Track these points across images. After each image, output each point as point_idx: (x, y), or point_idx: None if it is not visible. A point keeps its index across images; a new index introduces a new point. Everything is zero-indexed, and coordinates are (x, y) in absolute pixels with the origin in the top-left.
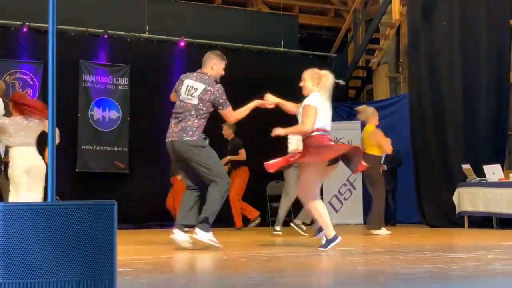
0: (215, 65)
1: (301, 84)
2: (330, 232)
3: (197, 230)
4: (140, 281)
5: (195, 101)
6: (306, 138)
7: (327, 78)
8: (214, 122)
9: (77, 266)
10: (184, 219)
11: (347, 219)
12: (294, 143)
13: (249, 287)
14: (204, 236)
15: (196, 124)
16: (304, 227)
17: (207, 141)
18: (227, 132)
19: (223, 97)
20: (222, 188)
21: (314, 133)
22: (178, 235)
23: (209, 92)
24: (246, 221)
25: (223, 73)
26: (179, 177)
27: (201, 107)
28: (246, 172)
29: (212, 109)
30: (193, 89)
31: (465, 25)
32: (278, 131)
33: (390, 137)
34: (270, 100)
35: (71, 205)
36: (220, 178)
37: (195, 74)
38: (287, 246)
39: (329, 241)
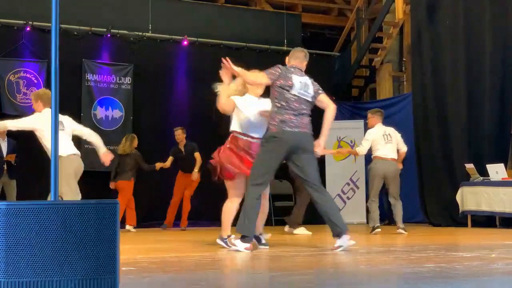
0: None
1: None
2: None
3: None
4: (143, 280)
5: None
6: None
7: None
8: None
9: (80, 265)
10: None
11: (350, 218)
12: (369, 142)
13: (252, 286)
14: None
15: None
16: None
17: None
18: (181, 136)
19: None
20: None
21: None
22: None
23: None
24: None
25: None
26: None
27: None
28: (198, 178)
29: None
30: (305, 86)
31: (469, 24)
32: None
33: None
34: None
35: (74, 204)
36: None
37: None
38: (289, 246)
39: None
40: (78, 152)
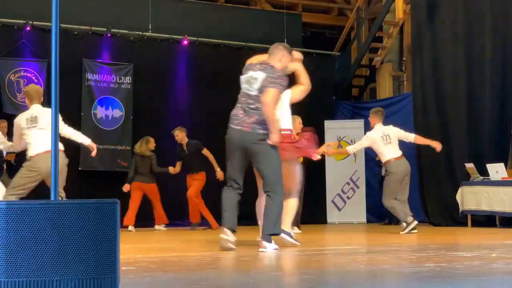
0: (283, 57)
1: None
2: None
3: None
4: (144, 280)
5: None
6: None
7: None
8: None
9: (80, 264)
10: None
11: (350, 218)
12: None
13: (252, 286)
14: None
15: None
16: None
17: None
18: (180, 136)
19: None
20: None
21: None
22: None
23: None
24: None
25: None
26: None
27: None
28: (204, 177)
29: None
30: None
31: (469, 23)
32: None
33: None
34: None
35: (74, 203)
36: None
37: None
38: (289, 246)
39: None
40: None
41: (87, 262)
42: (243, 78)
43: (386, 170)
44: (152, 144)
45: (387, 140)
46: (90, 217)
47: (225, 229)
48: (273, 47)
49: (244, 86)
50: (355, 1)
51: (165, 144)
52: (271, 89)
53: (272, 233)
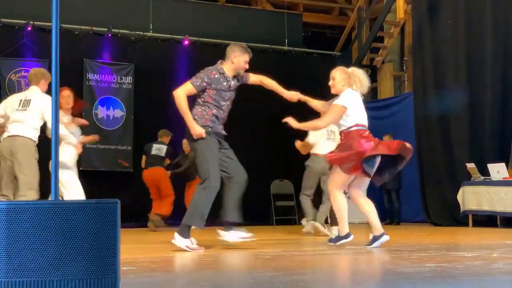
0: (235, 57)
1: (330, 83)
2: (344, 229)
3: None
4: (144, 280)
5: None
6: (344, 133)
7: (358, 75)
8: None
9: (80, 264)
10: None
11: (352, 217)
12: (314, 136)
13: (253, 286)
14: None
15: (198, 113)
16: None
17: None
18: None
19: (196, 75)
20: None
21: (352, 128)
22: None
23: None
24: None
25: (246, 66)
26: None
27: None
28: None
29: (211, 92)
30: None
31: (470, 23)
32: (291, 122)
33: (394, 136)
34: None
35: (75, 203)
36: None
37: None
38: (291, 245)
39: (340, 238)
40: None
41: (88, 262)
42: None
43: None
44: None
45: (330, 136)
46: (90, 217)
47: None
48: (227, 47)
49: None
50: (356, 1)
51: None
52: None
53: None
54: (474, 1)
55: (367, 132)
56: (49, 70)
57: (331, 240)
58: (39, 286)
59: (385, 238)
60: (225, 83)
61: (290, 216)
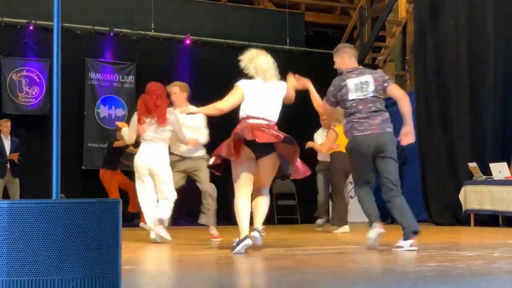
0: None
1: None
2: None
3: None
4: (145, 279)
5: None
6: None
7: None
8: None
9: (82, 264)
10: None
11: (353, 217)
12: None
13: (254, 285)
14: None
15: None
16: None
17: None
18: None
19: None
20: None
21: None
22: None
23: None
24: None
25: None
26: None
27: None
28: None
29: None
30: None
31: (472, 22)
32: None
33: (395, 135)
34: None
35: (76, 203)
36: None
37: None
38: (292, 245)
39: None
40: None
41: (89, 261)
42: (350, 86)
43: None
44: None
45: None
46: (92, 217)
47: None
48: (346, 46)
49: (354, 95)
50: (358, 0)
51: None
52: (393, 84)
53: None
54: (476, 0)
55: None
56: (51, 69)
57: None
58: (40, 285)
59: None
60: None
61: (292, 216)
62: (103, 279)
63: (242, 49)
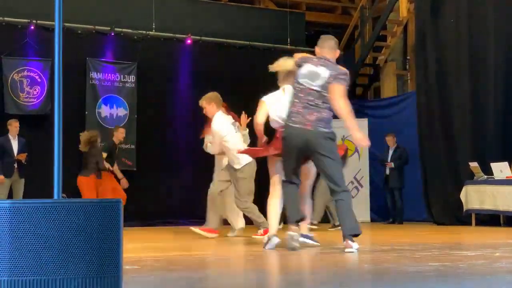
0: (338, 52)
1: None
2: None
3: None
4: (147, 279)
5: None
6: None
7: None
8: None
9: (83, 263)
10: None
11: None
12: None
13: (255, 285)
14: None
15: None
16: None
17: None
18: None
19: (344, 78)
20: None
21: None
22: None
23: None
24: None
25: None
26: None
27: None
28: None
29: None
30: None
31: (473, 22)
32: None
33: (397, 135)
34: None
35: (77, 202)
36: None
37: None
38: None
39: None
40: None
41: (91, 261)
42: (302, 70)
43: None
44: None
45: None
46: (93, 216)
47: (290, 226)
48: (326, 38)
49: (304, 80)
50: (359, 0)
51: (168, 143)
52: (338, 85)
53: (354, 233)
54: (476, 0)
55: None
56: (52, 69)
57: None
58: (42, 284)
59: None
60: None
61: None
62: (105, 279)
63: (243, 48)
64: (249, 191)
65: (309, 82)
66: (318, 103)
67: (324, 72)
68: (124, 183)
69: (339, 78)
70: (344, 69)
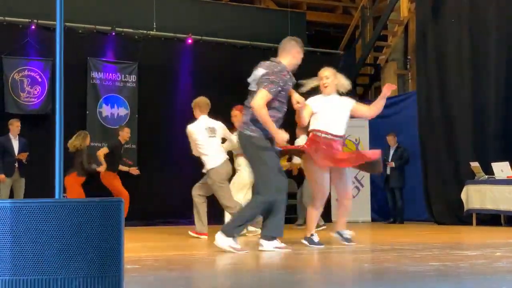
0: (298, 53)
1: (324, 82)
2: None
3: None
4: (148, 278)
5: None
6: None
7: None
8: None
9: (84, 263)
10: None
11: (355, 216)
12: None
13: (255, 285)
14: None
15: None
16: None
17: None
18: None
19: (270, 79)
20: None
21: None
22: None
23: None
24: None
25: (300, 62)
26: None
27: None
28: None
29: (279, 95)
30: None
31: (474, 22)
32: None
33: (397, 135)
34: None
35: (78, 202)
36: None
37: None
38: (291, 244)
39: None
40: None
41: (92, 261)
42: (251, 76)
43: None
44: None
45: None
46: (94, 216)
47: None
48: (286, 41)
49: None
50: None
51: (170, 142)
52: (261, 90)
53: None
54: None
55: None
56: (53, 69)
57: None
58: (43, 284)
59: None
60: (290, 83)
61: (293, 215)
62: (106, 278)
63: (243, 48)
64: (226, 195)
65: (251, 85)
66: (248, 104)
67: (257, 73)
68: (134, 171)
69: (261, 80)
70: (276, 69)
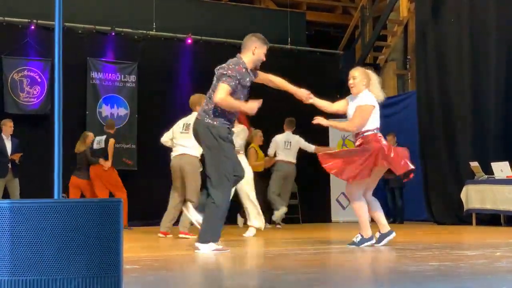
0: (256, 48)
1: (351, 82)
2: (368, 231)
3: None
4: (147, 278)
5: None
6: (361, 137)
7: (375, 77)
8: None
9: (84, 263)
10: None
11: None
12: (273, 148)
13: (255, 285)
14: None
15: (219, 109)
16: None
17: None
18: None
19: (228, 74)
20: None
21: (368, 133)
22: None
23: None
24: None
25: (264, 59)
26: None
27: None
28: None
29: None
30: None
31: (473, 21)
32: (321, 121)
33: (397, 135)
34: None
35: (78, 202)
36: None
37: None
38: (291, 244)
39: (364, 240)
40: None
41: (91, 261)
42: None
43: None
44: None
45: (287, 146)
46: (93, 216)
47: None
48: (246, 38)
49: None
50: None
51: None
52: (220, 84)
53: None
54: None
55: (382, 138)
56: (53, 69)
57: (352, 243)
58: (42, 284)
59: (393, 234)
60: (247, 79)
61: (294, 215)
62: (105, 278)
63: None
64: (193, 188)
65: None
66: (210, 95)
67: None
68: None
69: (219, 76)
70: (232, 64)
